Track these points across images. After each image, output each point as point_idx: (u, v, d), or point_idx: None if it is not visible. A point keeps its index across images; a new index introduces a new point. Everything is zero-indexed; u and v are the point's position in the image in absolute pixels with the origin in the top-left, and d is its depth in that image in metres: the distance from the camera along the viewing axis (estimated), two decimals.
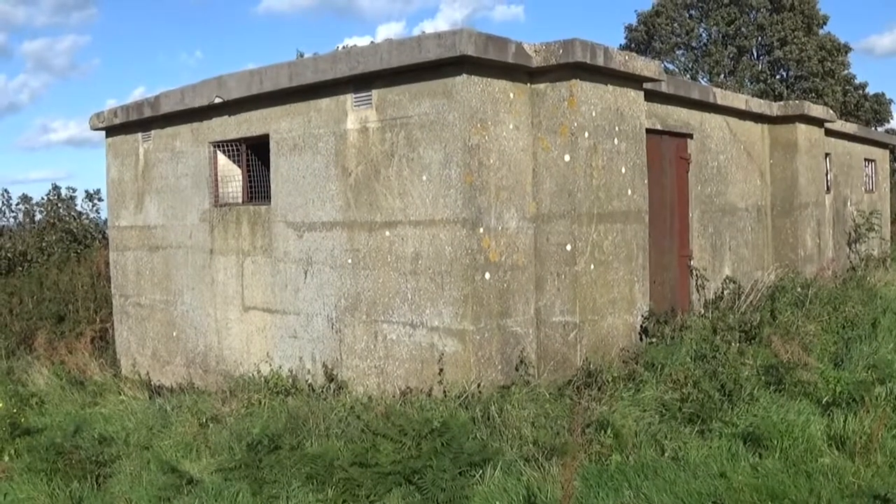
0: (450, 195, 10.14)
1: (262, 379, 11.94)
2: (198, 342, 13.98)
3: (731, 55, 48.81)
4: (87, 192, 25.95)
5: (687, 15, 50.31)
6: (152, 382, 14.25)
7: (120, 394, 13.27)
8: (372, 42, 17.36)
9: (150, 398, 12.89)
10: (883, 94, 49.63)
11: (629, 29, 51.36)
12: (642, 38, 50.45)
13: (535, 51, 10.63)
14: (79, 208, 25.64)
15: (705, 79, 48.37)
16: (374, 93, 10.91)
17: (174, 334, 14.49)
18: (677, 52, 50.83)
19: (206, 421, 10.60)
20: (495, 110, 10.45)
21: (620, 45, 50.73)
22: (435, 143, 10.27)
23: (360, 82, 11.01)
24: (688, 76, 47.79)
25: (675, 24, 49.50)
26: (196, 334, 14.01)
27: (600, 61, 10.68)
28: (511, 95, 10.70)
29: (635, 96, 11.77)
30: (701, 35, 50.72)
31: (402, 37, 13.24)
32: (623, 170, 11.41)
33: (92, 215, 25.74)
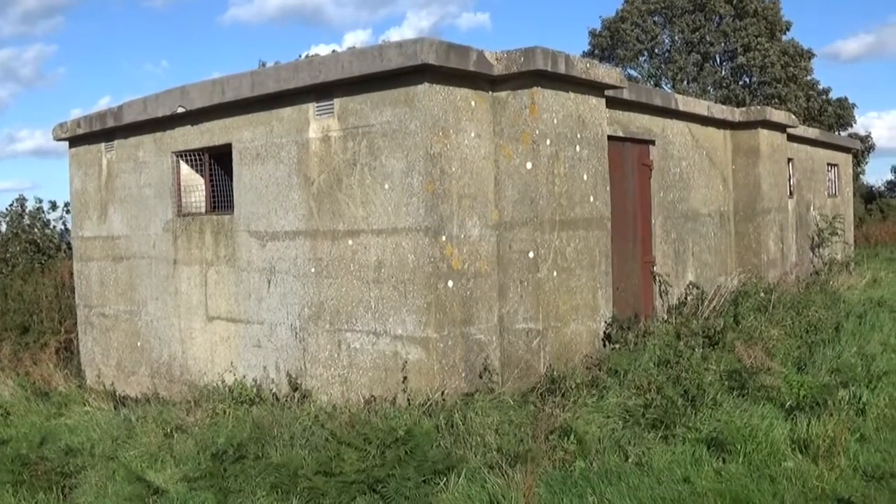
0: (412, 203, 10.15)
1: (227, 388, 11.89)
2: (162, 352, 13.92)
3: (694, 62, 49.14)
4: (51, 202, 25.79)
5: (651, 21, 50.57)
6: (117, 393, 14.15)
7: (85, 405, 13.17)
8: (334, 51, 17.37)
9: (115, 409, 12.80)
10: (846, 99, 50.11)
11: (593, 35, 51.59)
12: (606, 45, 50.77)
13: (497, 59, 10.67)
14: (45, 219, 25.52)
15: (669, 85, 48.63)
16: (336, 102, 10.90)
17: (138, 344, 14.43)
18: (641, 59, 51.13)
19: (171, 431, 10.53)
20: (457, 118, 10.47)
21: (584, 51, 51.02)
22: (397, 152, 10.28)
23: (322, 91, 11.01)
24: (651, 83, 48.06)
25: (640, 31, 49.75)
26: (160, 344, 13.95)
27: (561, 69, 10.73)
28: (473, 103, 10.73)
29: (597, 103, 11.82)
30: (665, 42, 51.03)
31: (363, 46, 13.23)
32: (585, 177, 11.46)
33: (57, 226, 25.63)
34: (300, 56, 24.56)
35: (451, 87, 10.40)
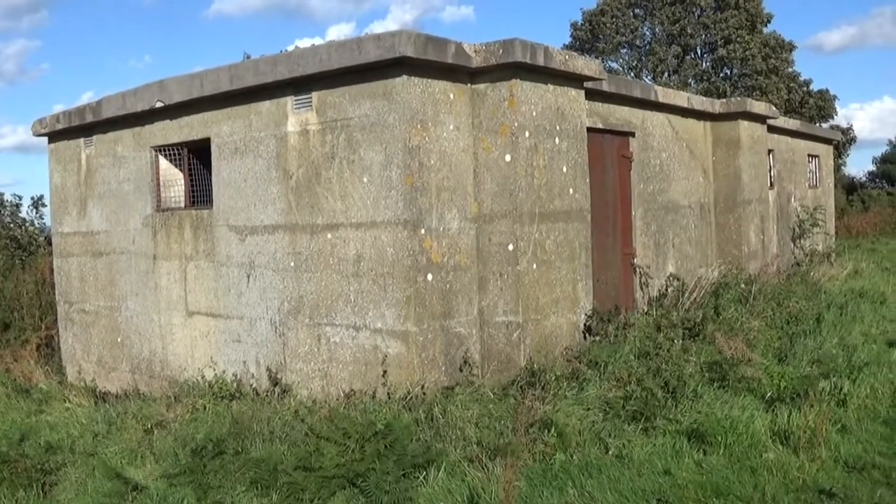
0: (391, 197, 10.13)
1: (207, 384, 11.86)
2: (142, 348, 13.88)
3: (675, 54, 49.21)
4: (32, 198, 25.74)
5: (632, 14, 50.63)
6: (98, 389, 14.10)
7: (66, 401, 13.13)
8: (313, 45, 17.29)
9: (95, 405, 12.76)
10: (827, 91, 50.30)
11: (574, 27, 51.61)
12: (587, 37, 50.77)
13: (476, 51, 10.64)
14: (23, 215, 25.44)
15: (649, 77, 48.74)
16: (315, 95, 10.87)
17: (119, 340, 14.38)
18: (622, 51, 51.20)
19: (150, 427, 10.51)
20: (436, 111, 10.45)
21: (566, 43, 51.01)
22: (375, 145, 10.25)
23: (301, 85, 10.98)
24: (632, 75, 48.13)
25: (620, 23, 49.77)
26: (140, 340, 13.91)
27: (540, 61, 10.71)
28: (451, 96, 10.70)
29: (576, 95, 11.81)
30: (645, 34, 51.10)
31: (342, 38, 13.20)
32: (564, 169, 11.45)
33: (37, 222, 25.55)
34: (283, 50, 24.51)
35: (429, 80, 10.37)
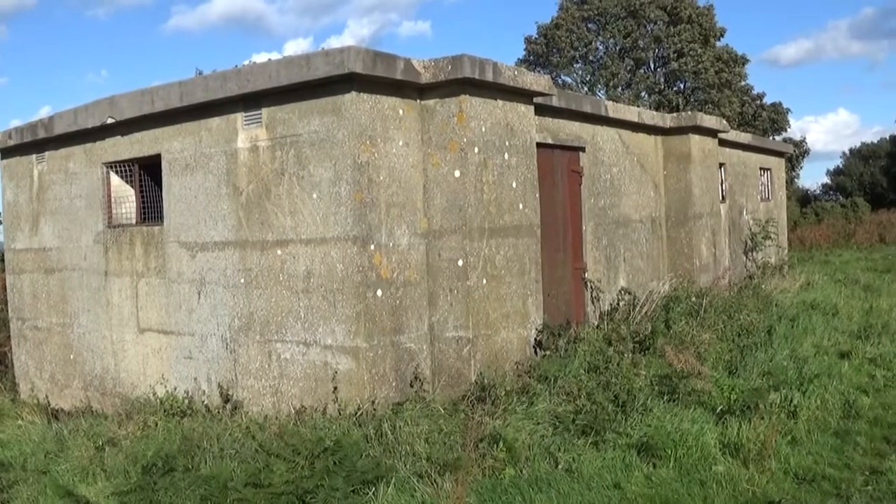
0: (340, 213, 10.15)
1: (159, 401, 11.80)
2: (95, 365, 13.81)
3: (628, 67, 49.51)
4: None
5: (586, 28, 50.89)
6: (51, 406, 14.04)
7: (18, 418, 13.08)
8: (265, 60, 17.31)
9: (48, 422, 12.69)
10: (780, 104, 50.90)
11: (529, 41, 51.83)
12: (542, 51, 50.96)
13: (425, 67, 10.70)
14: None
15: (602, 91, 48.97)
16: (264, 111, 10.89)
17: (71, 357, 14.31)
18: (576, 65, 51.43)
19: (102, 444, 10.46)
20: (385, 127, 10.49)
21: (520, 58, 51.21)
22: (325, 161, 10.28)
23: (251, 101, 11.00)
24: (586, 89, 48.36)
25: (574, 37, 50.01)
26: (93, 357, 13.84)
27: (489, 76, 10.78)
28: (401, 112, 10.75)
29: (525, 111, 11.89)
30: (598, 48, 51.37)
31: (292, 54, 13.20)
32: (514, 184, 11.51)
33: None
34: (239, 65, 24.43)
35: (378, 96, 10.41)
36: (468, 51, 10.10)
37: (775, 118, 50.21)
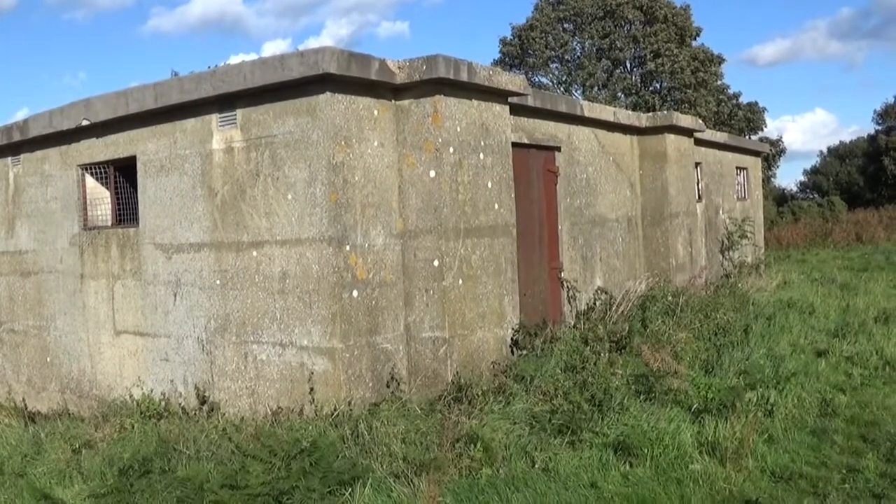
0: (315, 214, 10.15)
1: (135, 403, 11.79)
2: (71, 367, 13.78)
3: (604, 68, 49.60)
4: None
5: (561, 28, 50.94)
6: (28, 409, 13.96)
7: None
8: (240, 62, 17.27)
9: (25, 425, 12.66)
10: (756, 103, 51.08)
11: (504, 42, 51.83)
12: (517, 52, 50.98)
13: (400, 67, 10.70)
14: None
15: (579, 91, 49.05)
16: (239, 112, 10.88)
17: (48, 360, 14.26)
18: (552, 66, 51.47)
19: (79, 447, 10.44)
20: (360, 128, 10.50)
21: (495, 59, 51.20)
22: (300, 162, 10.27)
23: (225, 102, 10.98)
24: (562, 89, 48.43)
25: (550, 38, 50.07)
26: (69, 359, 13.81)
27: (464, 77, 10.79)
28: (376, 112, 10.75)
29: (500, 111, 11.90)
30: (575, 48, 51.42)
31: (266, 55, 13.21)
32: (489, 184, 11.53)
33: None
34: (215, 66, 24.34)
35: (353, 97, 10.41)
36: (447, 51, 10.11)
37: (751, 117, 50.43)
